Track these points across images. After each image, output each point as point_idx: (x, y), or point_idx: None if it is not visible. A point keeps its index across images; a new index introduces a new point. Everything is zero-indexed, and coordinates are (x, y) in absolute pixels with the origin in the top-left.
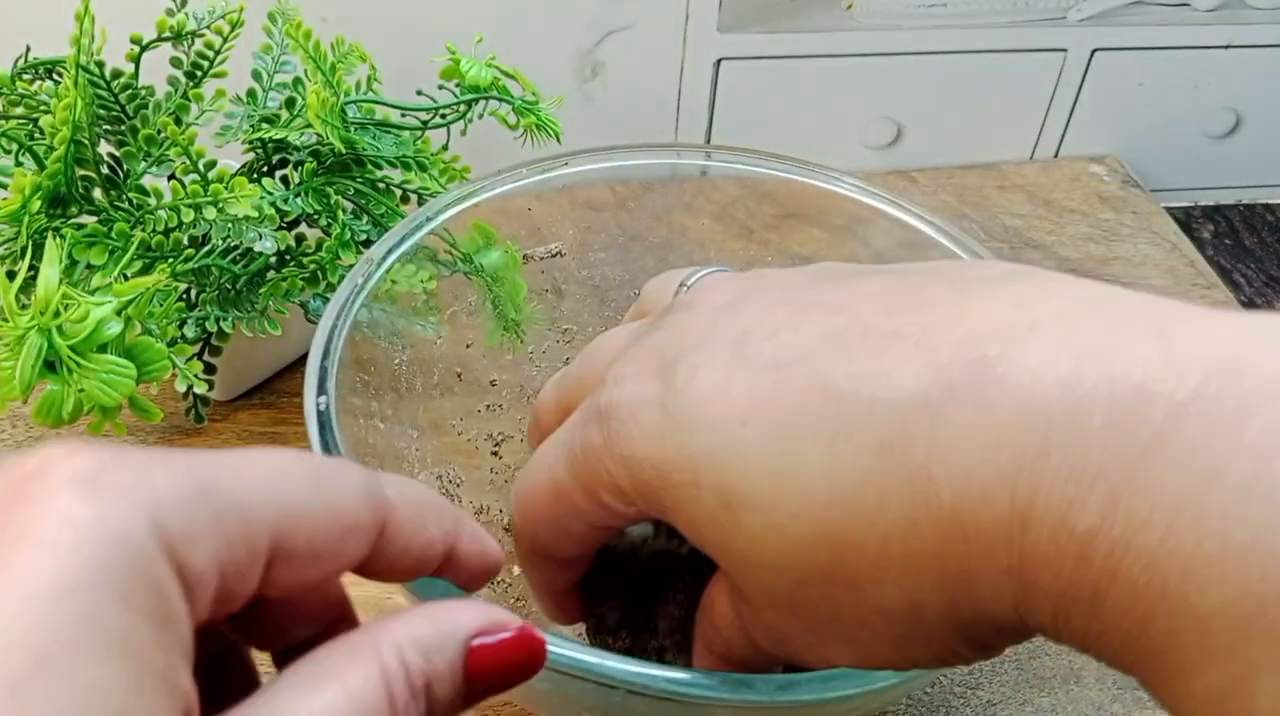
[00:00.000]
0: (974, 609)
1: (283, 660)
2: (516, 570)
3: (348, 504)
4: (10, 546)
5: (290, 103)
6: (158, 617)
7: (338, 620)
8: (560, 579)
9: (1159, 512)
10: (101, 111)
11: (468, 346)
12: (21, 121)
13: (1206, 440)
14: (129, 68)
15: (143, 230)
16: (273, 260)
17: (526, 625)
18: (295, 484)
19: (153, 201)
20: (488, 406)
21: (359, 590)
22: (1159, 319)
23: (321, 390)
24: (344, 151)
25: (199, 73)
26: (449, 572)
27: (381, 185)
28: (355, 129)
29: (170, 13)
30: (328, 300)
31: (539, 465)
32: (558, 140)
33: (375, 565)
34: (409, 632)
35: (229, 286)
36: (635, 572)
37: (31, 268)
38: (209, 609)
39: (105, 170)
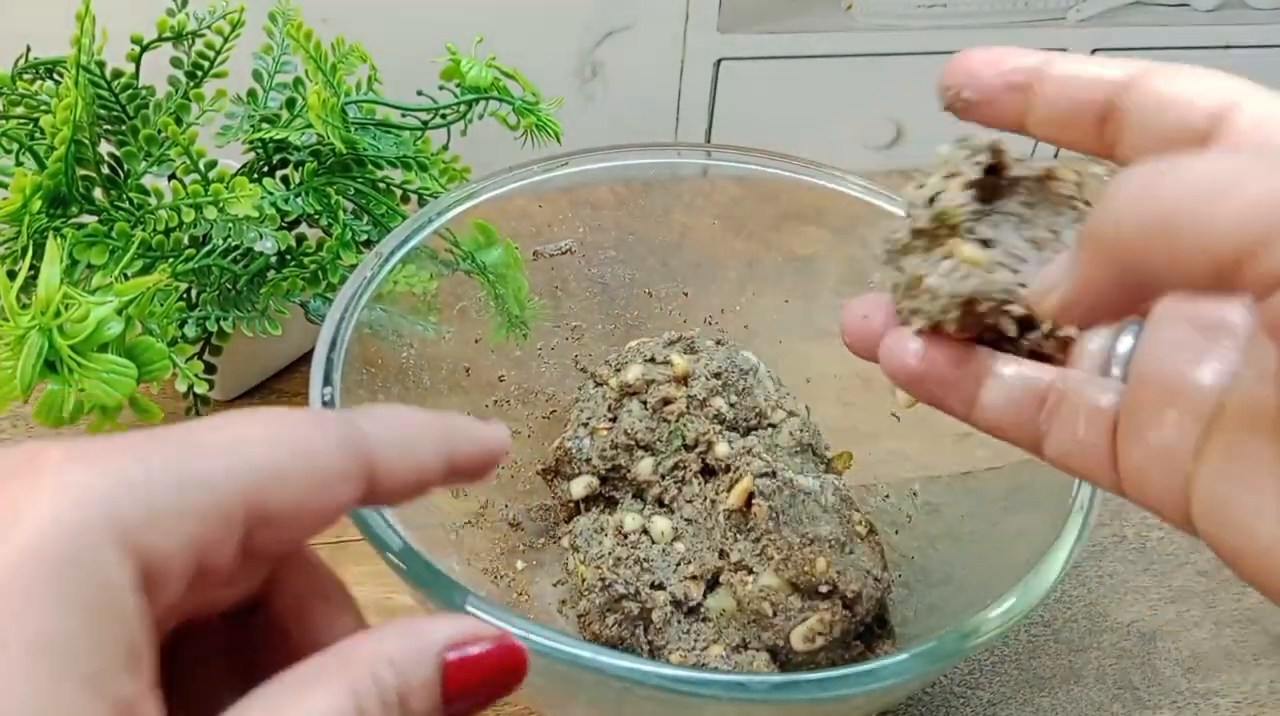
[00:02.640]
0: None
1: None
2: (520, 564)
3: (324, 457)
4: None
5: (291, 103)
6: (97, 615)
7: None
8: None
9: None
10: (102, 111)
11: (476, 341)
12: (22, 121)
13: None
14: (130, 68)
15: (143, 230)
16: (273, 260)
17: (505, 635)
18: (265, 448)
19: (153, 201)
20: (495, 401)
21: (359, 591)
22: None
23: (327, 381)
24: (344, 151)
25: (199, 73)
26: (454, 481)
27: (382, 185)
28: (355, 129)
29: (171, 13)
30: (328, 300)
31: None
32: (558, 140)
33: (374, 500)
34: (380, 649)
35: (229, 286)
36: None
37: (32, 267)
38: (181, 587)
39: (106, 170)
